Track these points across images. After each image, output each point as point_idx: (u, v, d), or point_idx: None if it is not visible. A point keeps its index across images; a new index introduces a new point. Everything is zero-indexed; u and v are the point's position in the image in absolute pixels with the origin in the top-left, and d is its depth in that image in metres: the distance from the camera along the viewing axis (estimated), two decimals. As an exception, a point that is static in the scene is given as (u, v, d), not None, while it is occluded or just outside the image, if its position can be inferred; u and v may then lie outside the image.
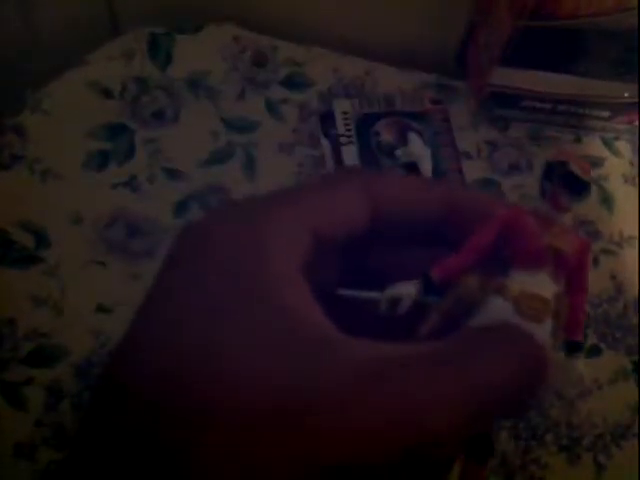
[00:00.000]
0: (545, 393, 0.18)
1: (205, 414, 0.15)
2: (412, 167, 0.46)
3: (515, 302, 0.18)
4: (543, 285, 0.18)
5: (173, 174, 0.45)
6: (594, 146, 0.51)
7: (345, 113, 0.48)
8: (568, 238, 0.18)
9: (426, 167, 0.46)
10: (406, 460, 0.15)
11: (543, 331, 0.18)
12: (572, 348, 0.18)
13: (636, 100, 0.48)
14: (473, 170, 0.48)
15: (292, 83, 0.49)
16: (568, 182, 0.17)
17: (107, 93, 0.47)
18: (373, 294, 0.19)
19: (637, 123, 0.50)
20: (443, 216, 0.20)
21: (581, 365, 0.18)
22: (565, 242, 0.18)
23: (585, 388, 0.19)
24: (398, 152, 0.47)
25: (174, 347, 0.16)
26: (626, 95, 0.48)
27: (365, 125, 0.48)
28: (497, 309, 0.18)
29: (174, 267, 0.18)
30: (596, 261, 0.46)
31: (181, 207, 0.44)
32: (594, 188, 0.49)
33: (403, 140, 0.48)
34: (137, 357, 0.17)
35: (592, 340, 0.43)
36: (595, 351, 0.43)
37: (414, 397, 0.15)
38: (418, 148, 0.47)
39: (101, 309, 0.41)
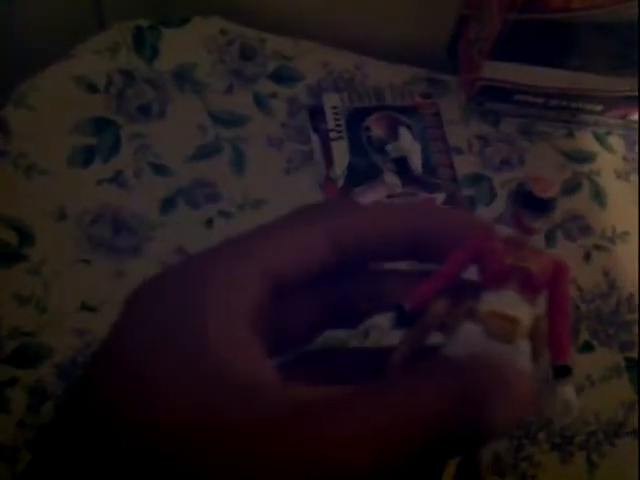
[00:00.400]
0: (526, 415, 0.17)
1: (193, 418, 0.15)
2: (402, 162, 0.46)
3: (484, 323, 0.17)
4: (512, 305, 0.18)
5: (160, 169, 0.44)
6: (586, 141, 0.50)
7: (335, 108, 0.47)
8: (538, 259, 0.18)
9: (416, 162, 0.46)
10: None
11: (517, 352, 0.17)
12: (558, 373, 0.18)
13: (630, 94, 0.48)
14: (464, 165, 0.47)
15: (281, 77, 0.49)
16: (528, 202, 0.17)
17: (92, 87, 0.46)
18: (340, 335, 0.19)
19: (631, 117, 0.49)
20: (411, 242, 0.20)
21: (568, 391, 0.18)
22: (533, 262, 0.18)
23: (573, 416, 0.18)
24: (388, 147, 0.46)
25: (155, 351, 0.16)
26: (623, 89, 0.48)
27: (355, 120, 0.47)
28: (467, 333, 0.17)
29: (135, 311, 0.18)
30: (588, 257, 0.45)
31: (168, 203, 0.43)
32: (586, 183, 0.48)
33: (393, 135, 0.47)
34: (117, 361, 0.17)
35: (584, 337, 0.43)
36: (588, 348, 0.42)
37: (332, 438, 0.15)
38: (408, 143, 0.46)
39: (86, 307, 0.40)
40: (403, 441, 0.16)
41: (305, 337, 0.21)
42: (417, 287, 0.18)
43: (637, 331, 0.43)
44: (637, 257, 0.46)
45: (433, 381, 0.16)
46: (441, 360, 0.17)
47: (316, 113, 0.47)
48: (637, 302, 0.44)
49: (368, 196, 0.44)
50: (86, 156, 0.44)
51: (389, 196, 0.44)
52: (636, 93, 0.48)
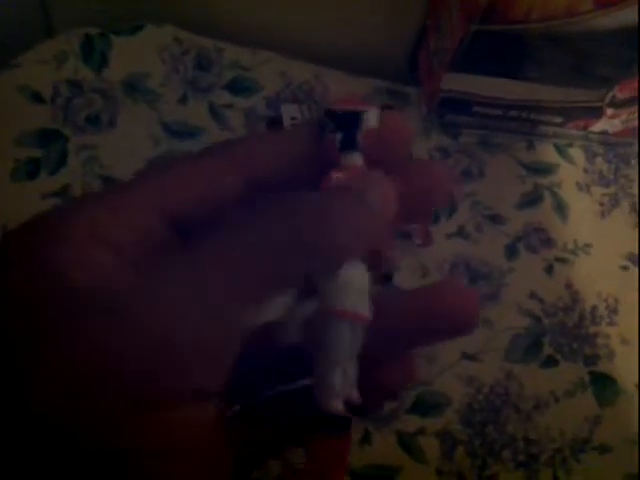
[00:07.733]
0: None
1: None
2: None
3: None
4: None
5: (110, 183, 0.42)
6: (547, 153, 0.50)
7: (294, 119, 0.46)
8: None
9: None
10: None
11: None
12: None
13: (589, 105, 0.48)
14: (425, 177, 0.46)
15: (238, 87, 0.47)
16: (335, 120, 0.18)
17: (37, 97, 0.44)
18: None
19: (591, 128, 0.49)
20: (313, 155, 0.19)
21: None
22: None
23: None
24: (348, 159, 0.45)
25: None
26: (583, 101, 0.47)
27: (314, 131, 0.46)
28: None
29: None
30: (550, 269, 0.45)
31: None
32: (547, 195, 0.48)
33: (354, 147, 0.46)
34: None
35: (548, 351, 0.42)
36: (551, 362, 0.42)
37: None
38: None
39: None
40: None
41: None
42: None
43: (601, 344, 0.43)
44: (600, 270, 0.45)
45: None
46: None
47: (274, 124, 0.46)
48: (600, 315, 0.44)
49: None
50: (31, 169, 0.42)
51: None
52: (595, 105, 0.48)
